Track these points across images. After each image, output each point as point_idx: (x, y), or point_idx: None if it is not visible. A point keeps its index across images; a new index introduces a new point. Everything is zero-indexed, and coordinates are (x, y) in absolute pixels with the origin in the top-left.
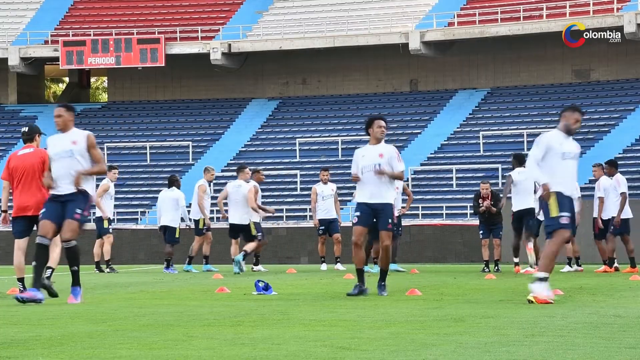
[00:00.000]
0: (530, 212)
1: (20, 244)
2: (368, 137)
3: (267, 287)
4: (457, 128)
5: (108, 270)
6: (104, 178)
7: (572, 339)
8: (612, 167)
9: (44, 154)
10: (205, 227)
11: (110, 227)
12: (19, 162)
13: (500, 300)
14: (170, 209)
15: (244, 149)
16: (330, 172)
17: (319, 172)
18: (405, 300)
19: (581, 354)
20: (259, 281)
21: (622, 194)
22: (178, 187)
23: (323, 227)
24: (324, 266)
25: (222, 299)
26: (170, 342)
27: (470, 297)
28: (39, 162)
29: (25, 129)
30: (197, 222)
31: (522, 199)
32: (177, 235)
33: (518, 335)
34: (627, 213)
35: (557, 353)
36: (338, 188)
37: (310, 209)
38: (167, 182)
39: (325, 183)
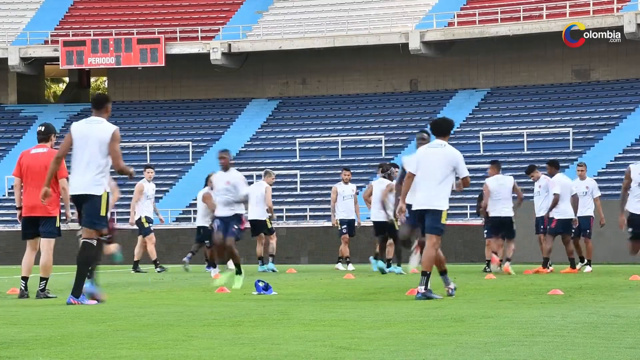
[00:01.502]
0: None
1: (32, 244)
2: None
3: (267, 287)
4: (457, 128)
5: (158, 270)
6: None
7: (572, 339)
8: (552, 167)
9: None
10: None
11: (150, 226)
12: (31, 161)
13: (500, 300)
14: (204, 208)
15: (244, 149)
16: (330, 172)
17: (339, 172)
18: (405, 300)
19: (581, 354)
20: (259, 281)
21: (555, 195)
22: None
23: (346, 227)
24: (348, 266)
25: (222, 299)
26: (170, 342)
27: (470, 297)
28: (49, 164)
29: (42, 127)
30: (264, 222)
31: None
32: None
33: (518, 335)
34: (569, 214)
35: (557, 353)
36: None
37: (315, 209)
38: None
39: (346, 183)
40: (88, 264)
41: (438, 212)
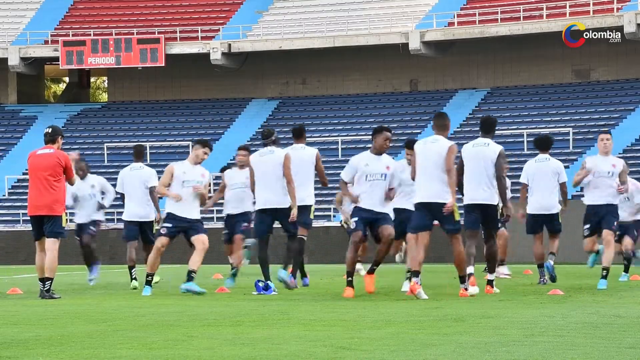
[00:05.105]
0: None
1: (39, 245)
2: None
3: (267, 287)
4: (457, 128)
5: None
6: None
7: (572, 339)
8: None
9: (63, 157)
10: None
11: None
12: (36, 161)
13: (500, 300)
14: None
15: None
16: (330, 172)
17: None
18: (405, 300)
19: (581, 354)
20: (259, 281)
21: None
22: None
23: None
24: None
25: (222, 299)
26: (170, 342)
27: (471, 297)
28: (55, 164)
29: (49, 129)
30: None
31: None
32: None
33: (518, 335)
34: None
35: (557, 353)
36: (337, 189)
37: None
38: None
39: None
40: (302, 253)
41: (557, 215)
